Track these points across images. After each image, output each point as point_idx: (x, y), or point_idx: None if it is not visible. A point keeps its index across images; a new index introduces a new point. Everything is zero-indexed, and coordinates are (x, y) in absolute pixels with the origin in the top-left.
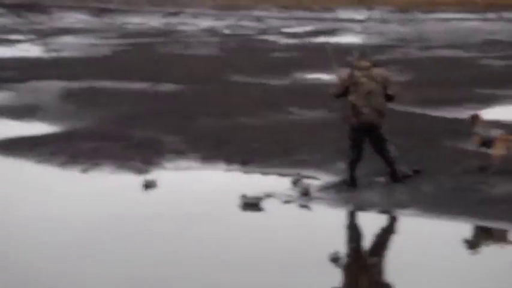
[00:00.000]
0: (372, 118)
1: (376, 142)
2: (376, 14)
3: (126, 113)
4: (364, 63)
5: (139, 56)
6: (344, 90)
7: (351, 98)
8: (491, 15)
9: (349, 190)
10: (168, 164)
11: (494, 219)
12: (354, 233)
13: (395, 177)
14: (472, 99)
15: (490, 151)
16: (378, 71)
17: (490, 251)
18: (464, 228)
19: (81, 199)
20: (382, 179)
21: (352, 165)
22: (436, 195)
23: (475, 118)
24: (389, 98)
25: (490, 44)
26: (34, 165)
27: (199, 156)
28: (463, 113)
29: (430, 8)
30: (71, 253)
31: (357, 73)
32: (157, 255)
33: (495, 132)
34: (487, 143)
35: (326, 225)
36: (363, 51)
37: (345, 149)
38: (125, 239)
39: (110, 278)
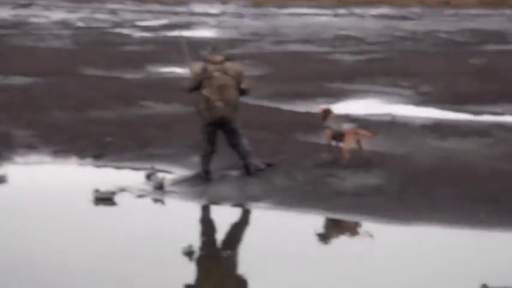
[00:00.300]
0: (225, 111)
1: (230, 136)
2: (230, 8)
3: None
4: (218, 57)
5: None
6: (197, 84)
7: (204, 91)
8: (342, 11)
9: (203, 184)
10: (18, 159)
11: (345, 212)
12: (207, 226)
13: (248, 171)
14: (323, 93)
15: (341, 145)
16: (231, 65)
17: (340, 242)
18: (316, 221)
19: None
20: (235, 173)
21: (206, 158)
22: (289, 188)
23: (326, 112)
24: (242, 92)
25: (341, 39)
26: None
27: (51, 150)
28: (315, 107)
29: (284, 2)
30: None
31: (210, 67)
32: (5, 251)
33: (346, 126)
34: (338, 136)
35: (180, 219)
36: (216, 45)
37: (199, 143)
38: None
39: None
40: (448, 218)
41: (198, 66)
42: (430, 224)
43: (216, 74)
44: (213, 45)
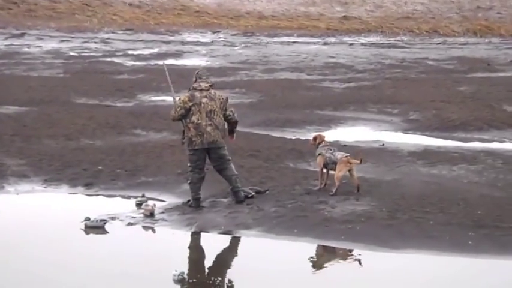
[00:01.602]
0: (215, 136)
1: (218, 161)
2: (221, 37)
3: None
4: (204, 84)
5: None
6: (185, 112)
7: (194, 118)
8: (331, 39)
9: (193, 211)
10: (9, 188)
11: (335, 239)
12: (197, 254)
13: (237, 197)
14: (313, 120)
15: (332, 172)
16: (216, 92)
17: (329, 270)
18: (306, 248)
19: None
20: (225, 200)
21: (196, 186)
22: (279, 215)
23: (316, 139)
24: (228, 119)
25: (331, 67)
26: None
27: (42, 179)
28: (305, 135)
29: (274, 31)
30: None
31: (197, 94)
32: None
33: (338, 154)
34: (330, 164)
35: (170, 247)
36: (201, 73)
37: (187, 172)
38: None
39: None
40: (438, 245)
41: (185, 94)
42: (420, 251)
43: (204, 100)
44: (198, 73)
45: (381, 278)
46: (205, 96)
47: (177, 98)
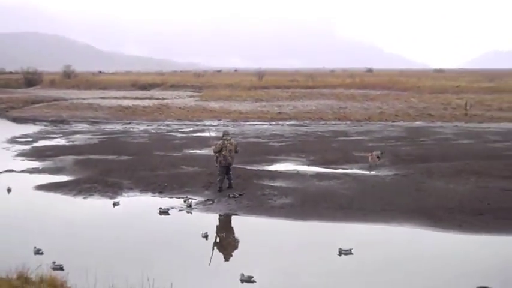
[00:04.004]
0: (231, 161)
1: (228, 172)
2: (222, 122)
3: (104, 170)
4: (227, 137)
5: (111, 143)
6: (219, 150)
7: (224, 152)
8: (273, 122)
9: (210, 204)
10: (124, 193)
11: (276, 216)
12: (213, 224)
13: (229, 185)
14: (265, 160)
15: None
16: (232, 141)
17: (271, 230)
18: (263, 221)
19: (82, 212)
20: (224, 199)
21: (220, 181)
22: (249, 206)
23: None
24: (236, 152)
25: (273, 135)
26: (60, 196)
27: (139, 190)
28: (262, 167)
29: (246, 119)
30: (87, 235)
31: (225, 142)
32: (117, 239)
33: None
34: None
35: (200, 220)
36: (226, 132)
37: (216, 181)
38: (104, 231)
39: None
40: (323, 217)
41: (220, 142)
42: (315, 220)
43: (228, 144)
44: (225, 133)
45: (294, 233)
46: (228, 142)
47: (216, 143)
